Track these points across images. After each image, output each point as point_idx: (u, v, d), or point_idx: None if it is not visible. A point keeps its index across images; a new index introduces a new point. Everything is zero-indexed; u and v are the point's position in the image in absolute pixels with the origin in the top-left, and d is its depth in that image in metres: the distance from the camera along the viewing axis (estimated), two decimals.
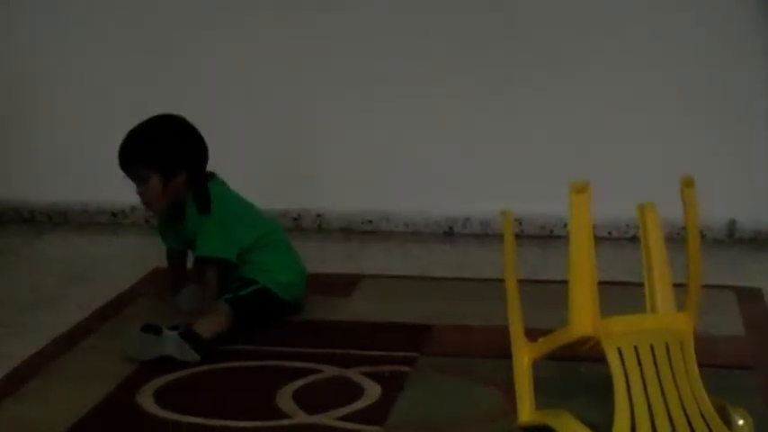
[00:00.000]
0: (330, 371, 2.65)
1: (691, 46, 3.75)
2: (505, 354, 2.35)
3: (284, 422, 2.39)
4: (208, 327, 2.76)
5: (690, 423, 2.17)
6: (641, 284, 2.30)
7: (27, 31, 4.01)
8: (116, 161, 3.98)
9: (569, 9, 3.77)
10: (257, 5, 3.89)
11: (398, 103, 3.87)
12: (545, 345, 2.30)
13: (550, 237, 3.82)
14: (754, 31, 3.71)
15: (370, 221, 3.92)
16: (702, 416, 2.19)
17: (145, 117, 3.04)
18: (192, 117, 3.03)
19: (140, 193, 2.99)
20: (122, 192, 4.02)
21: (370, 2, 3.84)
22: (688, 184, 2.30)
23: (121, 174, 3.98)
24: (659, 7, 3.74)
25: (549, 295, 2.69)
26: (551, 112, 3.83)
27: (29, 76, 4.05)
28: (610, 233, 3.80)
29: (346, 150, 3.91)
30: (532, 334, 2.34)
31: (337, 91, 3.88)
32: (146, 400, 2.50)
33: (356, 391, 2.53)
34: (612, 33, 3.77)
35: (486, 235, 3.84)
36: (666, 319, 2.26)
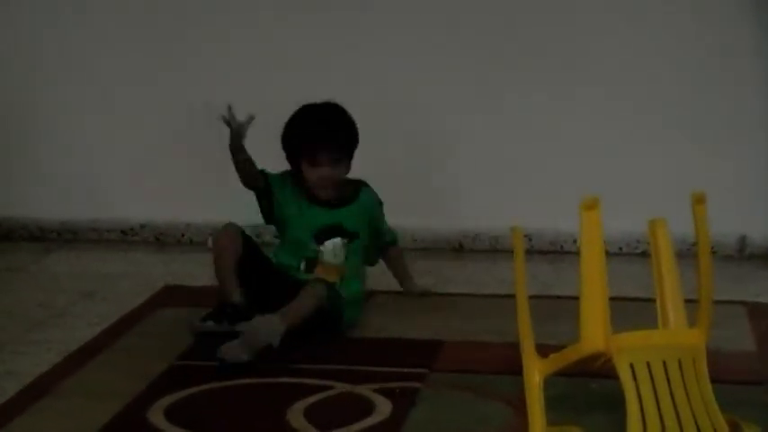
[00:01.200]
0: (341, 387, 2.65)
1: (700, 59, 3.75)
2: (516, 370, 2.34)
3: None
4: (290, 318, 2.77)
5: None
6: (653, 300, 2.29)
7: (32, 43, 4.03)
8: (125, 178, 4.04)
9: (580, 27, 3.77)
10: (261, 5, 3.90)
11: (411, 116, 3.88)
12: (556, 361, 2.29)
13: (561, 252, 3.81)
14: (763, 43, 3.71)
15: None
16: None
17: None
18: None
19: (329, 176, 2.94)
20: (132, 209, 4.07)
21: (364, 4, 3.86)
22: (699, 200, 2.30)
23: (131, 190, 4.04)
24: (665, 19, 3.74)
25: (559, 311, 2.69)
26: (561, 128, 3.83)
27: (37, 94, 4.06)
28: (621, 249, 3.80)
29: (355, 166, 3.91)
30: (543, 350, 2.33)
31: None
32: (157, 417, 2.49)
33: (367, 408, 2.53)
34: (619, 46, 3.77)
35: (496, 251, 3.84)
36: (678, 335, 2.26)
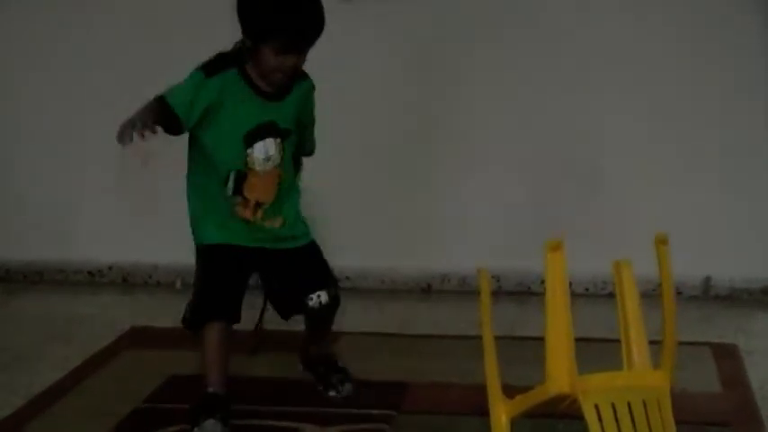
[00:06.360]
0: (309, 429, 2.64)
1: (666, 104, 3.79)
2: (484, 411, 2.34)
3: None
4: None
5: None
6: (618, 341, 2.31)
7: (3, 86, 4.03)
8: (92, 219, 4.03)
9: (551, 67, 3.81)
10: None
11: (378, 156, 3.89)
12: (522, 402, 2.30)
13: (528, 293, 3.83)
14: (734, 90, 3.75)
15: (348, 278, 3.92)
16: None
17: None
18: None
19: (291, 66, 2.53)
20: (99, 250, 4.05)
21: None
22: (662, 241, 2.32)
23: (98, 231, 4.03)
24: (635, 65, 3.79)
25: (526, 352, 2.69)
26: (527, 169, 3.85)
27: (4, 135, 4.05)
28: (587, 290, 3.82)
29: (322, 206, 3.91)
30: (510, 391, 2.34)
31: None
32: None
33: None
34: (591, 87, 3.80)
35: (464, 292, 3.85)
36: (643, 376, 2.27)
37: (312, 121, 2.76)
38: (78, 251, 4.04)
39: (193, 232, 2.70)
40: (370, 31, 3.79)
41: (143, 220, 3.98)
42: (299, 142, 2.72)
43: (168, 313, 3.63)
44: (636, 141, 3.80)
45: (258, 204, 2.64)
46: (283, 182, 2.66)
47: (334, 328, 3.32)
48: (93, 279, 4.06)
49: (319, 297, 2.71)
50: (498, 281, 3.79)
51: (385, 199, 3.91)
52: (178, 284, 3.97)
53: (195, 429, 2.56)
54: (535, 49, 3.80)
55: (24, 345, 3.33)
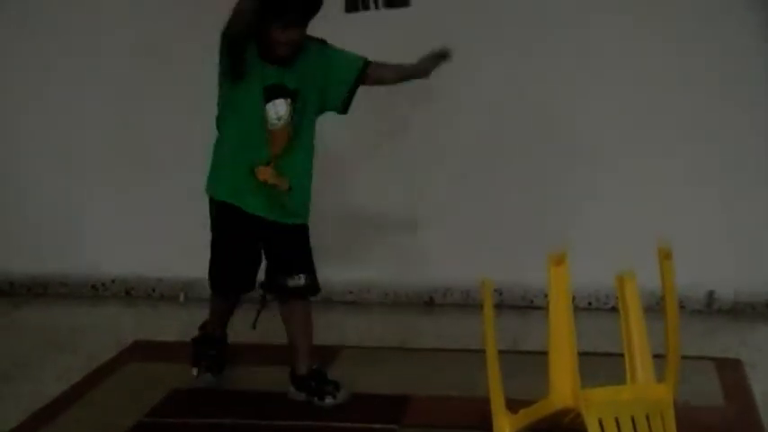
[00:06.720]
0: None
1: (670, 116, 3.79)
2: (486, 425, 2.34)
3: None
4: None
5: None
6: (621, 355, 2.31)
7: (3, 86, 4.04)
8: (95, 233, 4.03)
9: (552, 67, 3.81)
10: None
11: (383, 169, 3.90)
12: (526, 416, 2.30)
13: (531, 307, 3.83)
14: (737, 102, 3.76)
15: (352, 292, 3.93)
16: None
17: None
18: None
19: (295, 39, 2.80)
20: (103, 263, 4.06)
21: None
22: (666, 255, 2.33)
23: (103, 246, 4.03)
24: (632, 76, 3.79)
25: (529, 366, 2.69)
26: (531, 184, 3.85)
27: (9, 150, 4.06)
28: (590, 303, 3.82)
29: (324, 220, 3.92)
30: (513, 405, 2.34)
31: None
32: None
33: None
34: (593, 94, 3.81)
35: (466, 305, 3.85)
36: (646, 390, 2.27)
37: (340, 58, 2.92)
38: (82, 264, 4.04)
39: (209, 187, 2.90)
40: (370, 33, 3.79)
41: (147, 233, 3.99)
42: (324, 100, 2.91)
43: (172, 326, 3.64)
44: (639, 155, 3.81)
45: (269, 160, 2.83)
46: (293, 139, 2.85)
47: (336, 341, 3.34)
48: (97, 292, 4.06)
49: (300, 279, 2.90)
50: (501, 294, 3.79)
51: (387, 212, 3.91)
52: (181, 298, 3.97)
53: (193, 370, 3.03)
54: (536, 50, 3.80)
55: (28, 356, 3.33)
